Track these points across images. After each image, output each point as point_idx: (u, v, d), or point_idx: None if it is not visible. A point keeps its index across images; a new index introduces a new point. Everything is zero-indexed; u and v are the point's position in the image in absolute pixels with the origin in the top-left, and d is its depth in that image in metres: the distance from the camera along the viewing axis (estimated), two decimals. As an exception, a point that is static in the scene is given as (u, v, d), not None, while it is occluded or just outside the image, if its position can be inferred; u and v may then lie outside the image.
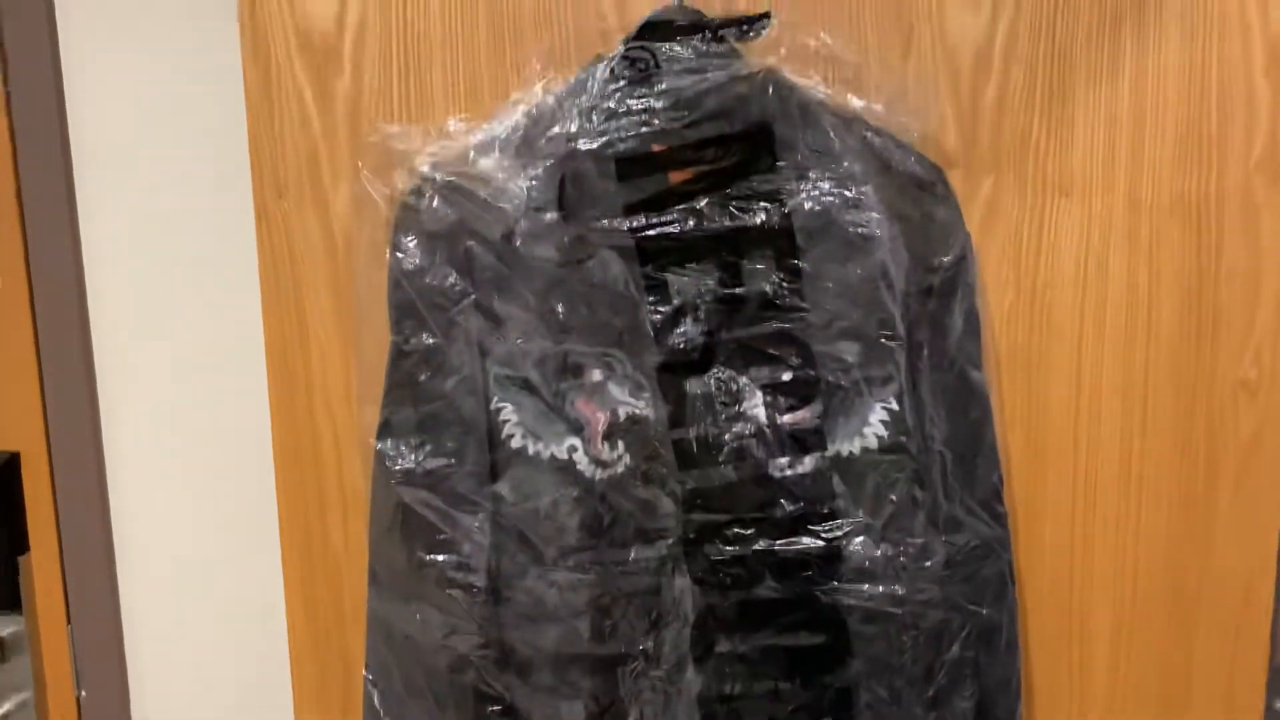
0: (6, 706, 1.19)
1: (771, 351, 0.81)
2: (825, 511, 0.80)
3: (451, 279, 0.80)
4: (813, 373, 0.80)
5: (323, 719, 0.95)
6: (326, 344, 0.90)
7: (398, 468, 0.81)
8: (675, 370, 0.81)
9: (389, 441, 0.81)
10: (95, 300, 1.14)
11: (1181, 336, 0.88)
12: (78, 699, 1.21)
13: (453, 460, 0.80)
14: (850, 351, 0.80)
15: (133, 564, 1.19)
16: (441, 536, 0.80)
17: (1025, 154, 0.86)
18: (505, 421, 0.81)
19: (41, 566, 1.18)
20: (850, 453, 0.81)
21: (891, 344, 0.80)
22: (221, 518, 1.16)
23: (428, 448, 0.81)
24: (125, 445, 1.17)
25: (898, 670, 0.81)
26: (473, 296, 0.80)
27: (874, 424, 0.81)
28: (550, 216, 0.79)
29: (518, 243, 0.79)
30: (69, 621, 1.19)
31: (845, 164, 0.80)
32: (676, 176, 0.80)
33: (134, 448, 1.17)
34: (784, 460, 0.80)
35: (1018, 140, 0.86)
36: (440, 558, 0.80)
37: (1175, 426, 0.89)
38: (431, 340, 0.81)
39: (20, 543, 1.18)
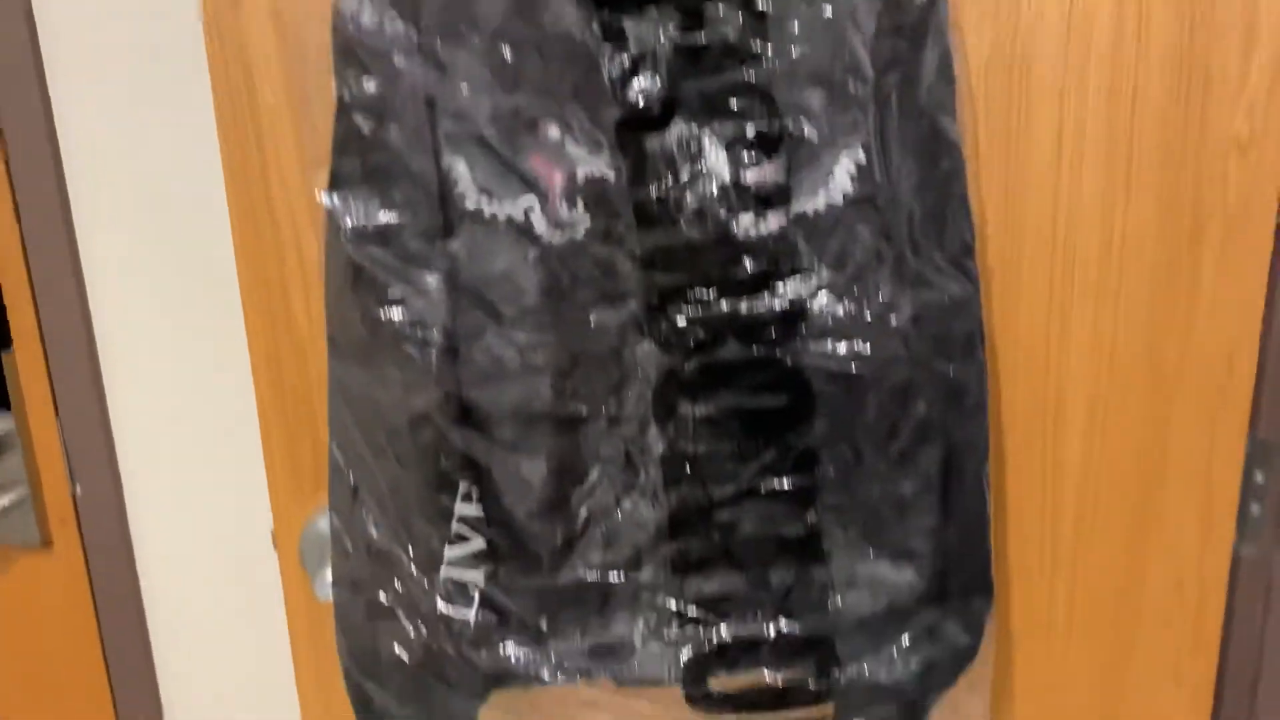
0: (3, 502, 1.22)
1: (734, 104, 0.77)
2: (789, 269, 0.78)
3: (391, 17, 0.76)
4: (777, 124, 0.77)
5: (295, 492, 0.96)
6: (276, 110, 0.87)
7: (348, 225, 0.78)
8: (634, 126, 0.78)
9: (337, 196, 0.79)
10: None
11: (1170, 89, 0.83)
12: (73, 495, 1.24)
13: (403, 216, 0.78)
14: (815, 99, 0.77)
15: (116, 359, 1.19)
16: (394, 293, 0.78)
17: (1008, -114, 0.80)
18: (457, 180, 0.78)
19: (25, 362, 1.19)
20: (815, 210, 0.78)
21: (859, 89, 0.76)
22: (200, 307, 1.16)
23: (376, 202, 0.78)
24: (100, 243, 1.17)
25: (862, 429, 0.81)
26: (416, 40, 0.76)
27: (839, 176, 0.77)
28: (497, -46, 0.75)
29: (464, -17, 0.75)
30: (57, 416, 1.21)
31: (811, -107, 0.75)
32: (631, -91, 0.75)
33: (109, 245, 1.17)
34: (747, 218, 0.78)
35: None
36: (395, 315, 0.78)
37: (1161, 186, 0.85)
38: (374, 88, 0.77)
39: (3, 340, 1.18)
